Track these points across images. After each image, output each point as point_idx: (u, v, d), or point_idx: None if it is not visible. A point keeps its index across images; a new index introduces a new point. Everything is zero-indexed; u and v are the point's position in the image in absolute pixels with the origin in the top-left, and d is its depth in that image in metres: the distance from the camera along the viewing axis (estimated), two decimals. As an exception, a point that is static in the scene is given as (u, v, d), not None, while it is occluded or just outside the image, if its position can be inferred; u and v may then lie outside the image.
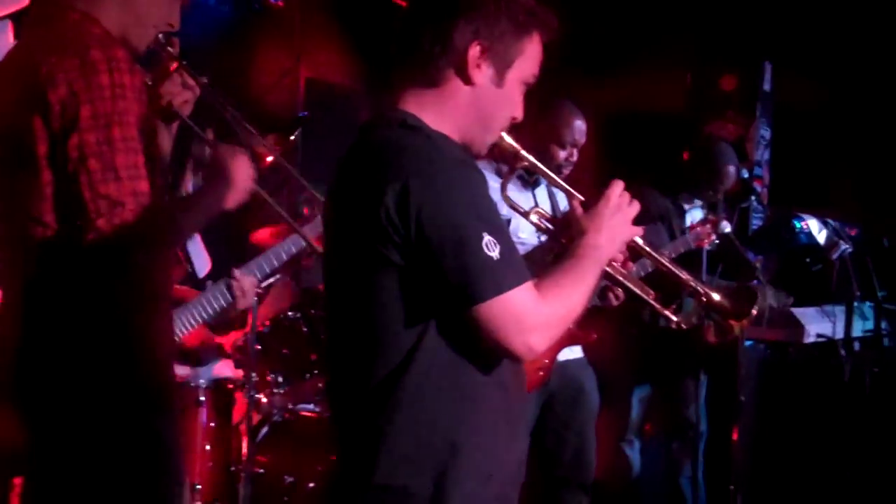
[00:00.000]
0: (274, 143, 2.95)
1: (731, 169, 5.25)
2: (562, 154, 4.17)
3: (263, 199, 2.89)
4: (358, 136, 2.11)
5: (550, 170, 4.08)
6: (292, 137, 3.60)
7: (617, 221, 2.18)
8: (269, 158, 2.88)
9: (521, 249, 3.86)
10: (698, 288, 2.41)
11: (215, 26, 6.18)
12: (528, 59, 2.13)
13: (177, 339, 3.53)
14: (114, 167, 2.37)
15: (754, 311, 2.42)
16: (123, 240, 2.39)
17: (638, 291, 2.40)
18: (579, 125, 4.21)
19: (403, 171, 1.93)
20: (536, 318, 1.98)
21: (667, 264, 2.42)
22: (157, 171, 2.58)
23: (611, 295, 4.13)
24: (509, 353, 1.99)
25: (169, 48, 2.68)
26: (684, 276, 2.42)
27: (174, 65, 2.70)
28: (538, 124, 4.15)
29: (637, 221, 2.23)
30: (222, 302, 3.56)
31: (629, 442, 5.32)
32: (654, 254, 2.40)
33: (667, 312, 2.43)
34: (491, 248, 1.92)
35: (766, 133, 7.23)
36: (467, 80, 2.08)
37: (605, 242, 2.15)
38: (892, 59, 6.89)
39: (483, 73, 2.08)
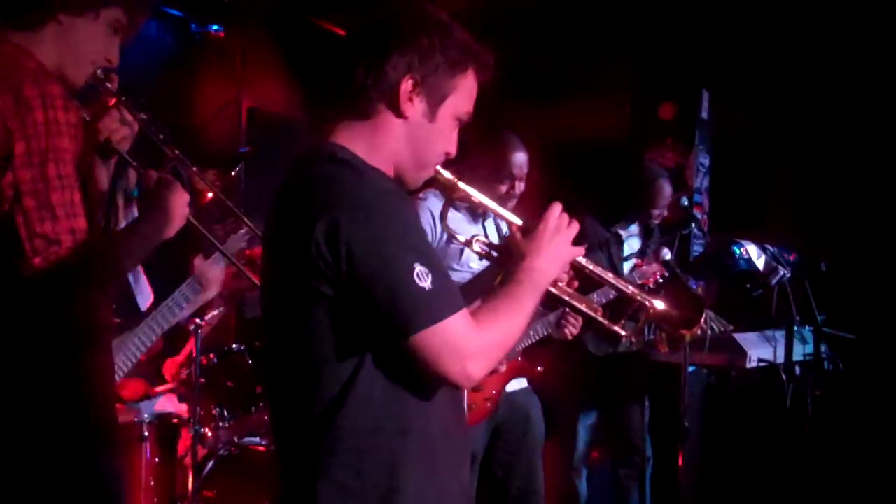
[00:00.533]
0: (214, 178, 2.93)
1: (663, 181, 5.34)
2: (502, 188, 4.18)
3: (200, 233, 2.87)
4: (290, 170, 2.11)
5: (495, 202, 4.11)
6: (233, 173, 3.58)
7: (556, 243, 2.19)
8: (210, 195, 2.86)
9: (460, 280, 3.89)
10: (645, 301, 2.41)
11: (157, 56, 6.15)
12: (462, 96, 2.14)
13: (136, 358, 3.48)
14: (49, 205, 2.34)
15: (703, 318, 2.44)
16: (60, 278, 2.36)
17: (585, 309, 2.40)
18: (520, 157, 4.22)
19: (332, 204, 1.93)
20: (473, 345, 1.97)
21: (611, 280, 2.44)
22: (94, 207, 2.55)
23: (566, 329, 4.16)
24: (448, 381, 1.99)
25: (108, 84, 2.65)
26: (630, 289, 2.44)
27: (112, 100, 2.67)
28: (480, 158, 4.18)
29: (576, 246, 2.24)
30: (192, 295, 3.53)
31: (577, 470, 5.35)
32: (597, 271, 2.39)
33: (616, 328, 2.45)
34: (423, 278, 1.92)
35: (706, 160, 7.33)
36: (399, 114, 2.09)
37: (544, 265, 2.16)
38: (826, 86, 7.03)
39: (415, 108, 2.09)
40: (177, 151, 2.82)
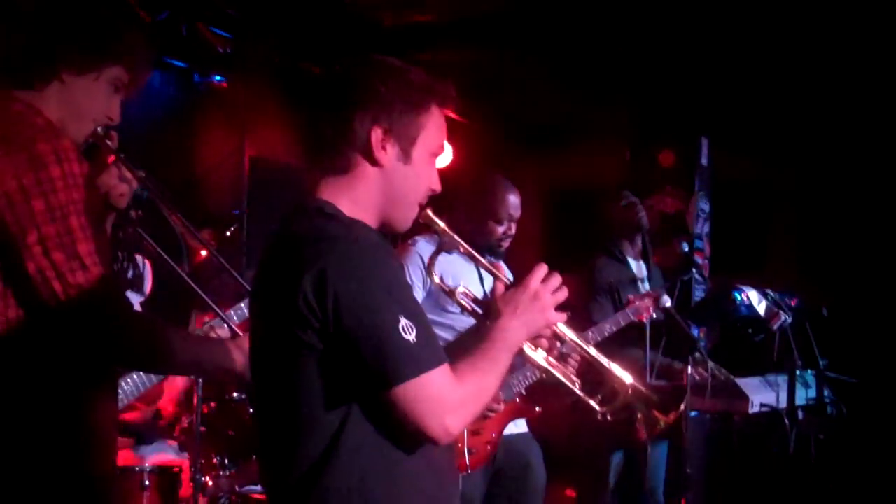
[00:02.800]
0: (209, 238, 2.94)
1: (633, 199, 5.36)
2: (500, 229, 4.22)
3: (193, 290, 2.89)
4: (279, 226, 2.14)
5: (490, 244, 4.10)
6: (228, 233, 3.61)
7: (534, 308, 2.19)
8: (203, 253, 2.87)
9: (453, 321, 3.90)
10: (623, 379, 2.36)
11: (160, 107, 6.21)
12: (432, 132, 2.18)
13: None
14: (77, 255, 2.37)
15: (681, 408, 2.43)
16: (101, 323, 2.39)
17: (561, 378, 2.37)
18: (513, 200, 4.26)
19: (321, 257, 1.96)
20: (453, 399, 1.99)
21: (592, 354, 2.40)
22: (105, 259, 2.58)
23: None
24: (426, 435, 1.99)
25: (107, 141, 2.68)
26: (609, 367, 2.38)
27: (112, 157, 2.69)
28: (474, 202, 4.21)
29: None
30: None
31: None
32: (578, 342, 2.37)
33: (592, 402, 2.39)
34: (407, 331, 1.95)
35: (706, 206, 7.36)
36: (375, 163, 2.13)
37: (516, 327, 2.17)
38: (825, 131, 7.08)
39: (389, 154, 2.13)
40: (174, 208, 2.84)
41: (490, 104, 7.47)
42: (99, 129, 2.64)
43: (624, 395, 2.37)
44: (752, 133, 7.34)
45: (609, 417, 2.40)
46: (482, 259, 2.42)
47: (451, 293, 2.39)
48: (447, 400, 1.98)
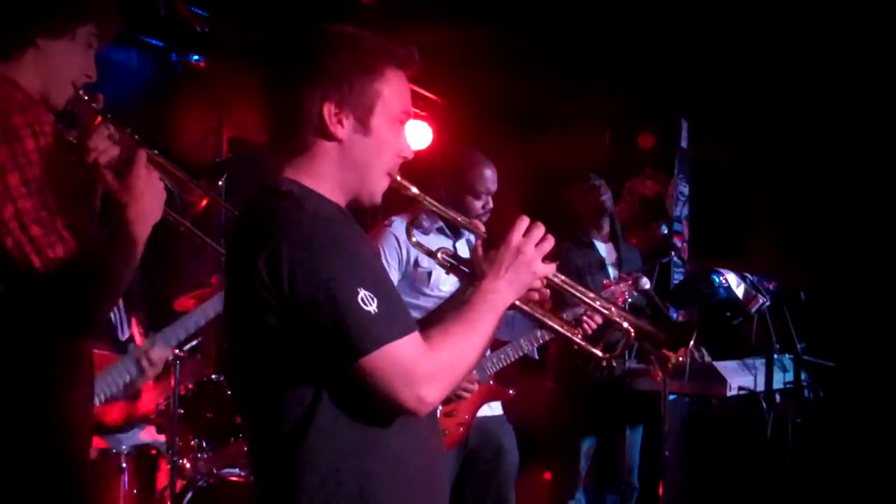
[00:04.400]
0: (206, 186, 2.88)
1: (596, 183, 5.37)
2: (478, 204, 4.21)
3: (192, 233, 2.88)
4: (244, 209, 2.11)
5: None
6: (221, 182, 3.55)
7: (519, 262, 2.14)
8: (204, 202, 2.82)
9: (430, 303, 3.89)
10: (624, 323, 2.33)
11: (138, 87, 6.16)
12: (391, 98, 2.12)
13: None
14: (56, 230, 2.35)
15: (691, 343, 2.36)
16: (81, 297, 2.36)
17: (560, 329, 2.33)
18: (489, 174, 4.25)
19: (273, 236, 1.93)
20: (424, 368, 1.94)
21: (589, 301, 2.34)
22: (92, 226, 2.55)
23: (585, 325, 4.00)
24: (401, 407, 1.95)
25: (93, 104, 2.64)
26: (613, 310, 2.36)
27: (99, 118, 2.65)
28: (450, 178, 4.20)
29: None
30: (130, 376, 3.44)
31: (577, 501, 5.33)
32: (575, 291, 2.30)
33: (595, 350, 2.36)
34: (367, 302, 1.90)
35: (685, 189, 7.37)
36: (331, 138, 2.08)
37: (501, 287, 2.12)
38: (805, 114, 7.10)
39: (346, 127, 2.08)
40: (168, 162, 2.79)
41: (470, 85, 7.45)
42: (81, 92, 2.61)
43: (628, 337, 2.32)
44: (732, 115, 7.35)
45: (613, 364, 2.35)
46: (459, 218, 2.34)
47: (432, 254, 2.36)
48: (418, 369, 1.93)
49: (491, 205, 4.26)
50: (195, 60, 6.58)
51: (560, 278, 2.26)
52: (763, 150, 7.56)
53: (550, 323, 2.31)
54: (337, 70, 2.06)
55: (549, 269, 2.20)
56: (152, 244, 2.64)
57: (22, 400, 2.42)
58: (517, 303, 2.20)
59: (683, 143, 7.33)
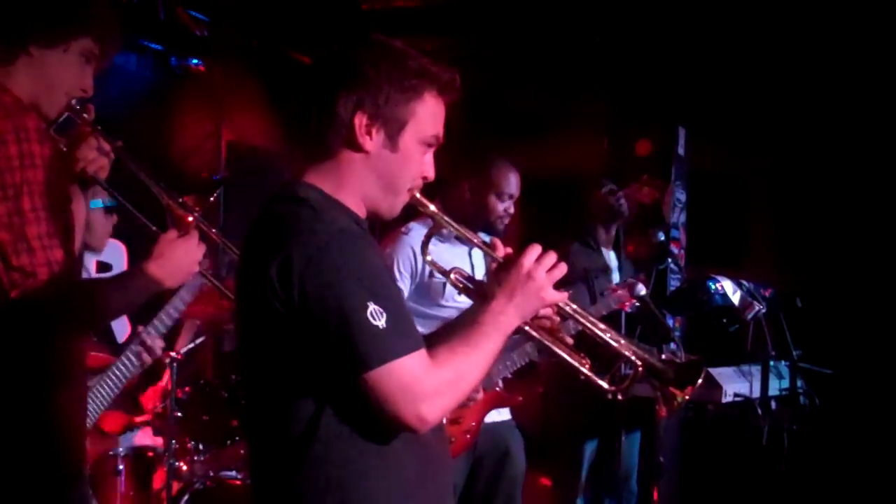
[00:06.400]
0: (193, 204, 2.91)
1: (613, 187, 5.38)
2: (500, 206, 4.22)
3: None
4: (259, 212, 2.11)
5: (490, 221, 4.07)
6: (212, 198, 3.57)
7: (529, 287, 2.12)
8: (190, 219, 2.85)
9: (445, 314, 3.90)
10: (633, 357, 2.29)
11: (137, 90, 6.17)
12: (424, 120, 2.12)
13: (95, 415, 3.47)
14: (25, 238, 2.34)
15: (698, 382, 2.30)
16: (37, 310, 2.36)
17: (569, 359, 2.28)
18: (515, 178, 4.28)
19: (286, 244, 1.94)
20: (427, 386, 1.94)
21: (599, 332, 2.29)
22: (71, 239, 2.55)
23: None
24: (401, 422, 1.95)
25: (84, 114, 2.65)
26: (622, 342, 2.30)
27: (88, 129, 2.67)
28: (476, 176, 4.21)
29: (561, 282, 2.17)
30: (133, 368, 3.54)
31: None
32: (583, 320, 2.28)
33: (601, 382, 2.31)
34: (376, 316, 1.90)
35: (682, 196, 7.37)
36: (358, 149, 2.08)
37: (509, 310, 2.11)
38: (802, 121, 7.11)
39: (374, 140, 2.08)
40: (154, 177, 2.81)
41: (468, 91, 7.45)
42: (73, 101, 2.62)
43: (636, 372, 2.29)
44: (729, 123, 7.35)
45: (620, 397, 2.32)
46: (475, 238, 2.33)
47: (445, 274, 2.35)
48: (421, 387, 1.93)
49: (512, 209, 4.27)
50: (194, 64, 6.60)
51: (571, 307, 2.24)
52: (760, 157, 7.56)
53: (559, 351, 2.28)
54: (376, 82, 2.06)
55: (560, 296, 2.19)
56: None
57: (12, 399, 2.42)
58: (527, 328, 2.19)
59: (680, 151, 7.33)
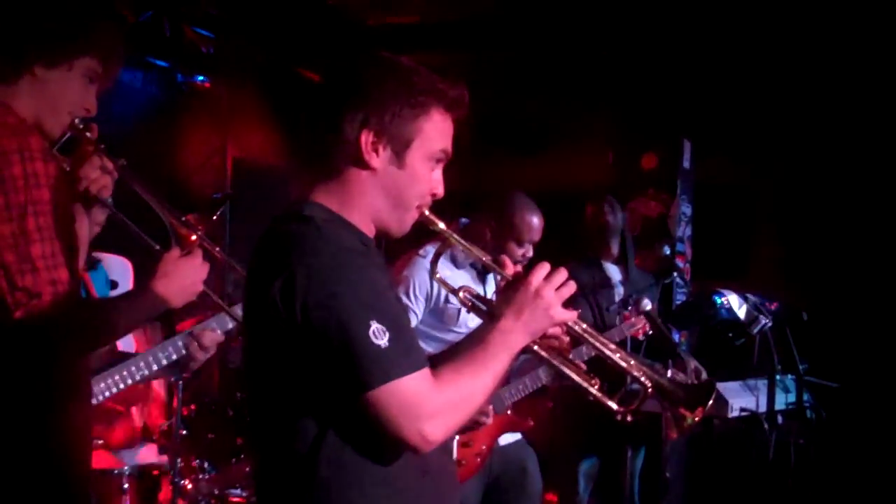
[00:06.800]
0: (195, 222, 2.91)
1: (614, 202, 5.37)
2: (519, 251, 4.13)
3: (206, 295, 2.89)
4: (265, 231, 2.11)
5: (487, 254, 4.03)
6: (214, 217, 3.55)
7: (537, 306, 2.09)
8: (194, 237, 2.85)
9: (458, 338, 3.86)
10: (643, 378, 2.26)
11: (143, 107, 6.20)
12: (431, 136, 2.10)
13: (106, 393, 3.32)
14: (30, 258, 2.34)
15: (709, 404, 2.27)
16: (42, 331, 2.37)
17: (578, 379, 2.24)
18: (537, 223, 4.17)
19: (290, 262, 1.94)
20: (430, 406, 1.93)
21: (607, 353, 2.27)
22: (76, 258, 2.56)
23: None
24: (403, 442, 1.94)
25: (87, 133, 2.66)
26: (629, 364, 2.27)
27: (91, 148, 2.67)
28: (497, 220, 4.15)
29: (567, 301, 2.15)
30: (175, 355, 3.33)
31: None
32: (594, 340, 2.25)
33: (610, 403, 2.26)
34: (379, 335, 1.89)
35: (688, 209, 7.37)
36: (365, 166, 2.07)
37: (517, 328, 2.08)
38: (807, 135, 7.11)
39: (381, 158, 2.07)
40: (156, 196, 2.82)
41: (473, 106, 7.46)
42: (76, 121, 2.62)
43: (646, 393, 2.26)
44: (735, 136, 7.36)
45: (629, 419, 2.30)
46: (484, 256, 2.30)
47: (454, 291, 2.33)
48: (423, 406, 1.92)
49: (531, 253, 4.18)
50: (200, 81, 6.63)
51: (581, 326, 2.22)
52: (765, 170, 7.57)
53: (567, 371, 2.25)
54: (382, 99, 2.05)
55: (569, 315, 2.17)
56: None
57: (17, 420, 2.43)
58: (535, 348, 2.17)
59: (686, 164, 7.33)
